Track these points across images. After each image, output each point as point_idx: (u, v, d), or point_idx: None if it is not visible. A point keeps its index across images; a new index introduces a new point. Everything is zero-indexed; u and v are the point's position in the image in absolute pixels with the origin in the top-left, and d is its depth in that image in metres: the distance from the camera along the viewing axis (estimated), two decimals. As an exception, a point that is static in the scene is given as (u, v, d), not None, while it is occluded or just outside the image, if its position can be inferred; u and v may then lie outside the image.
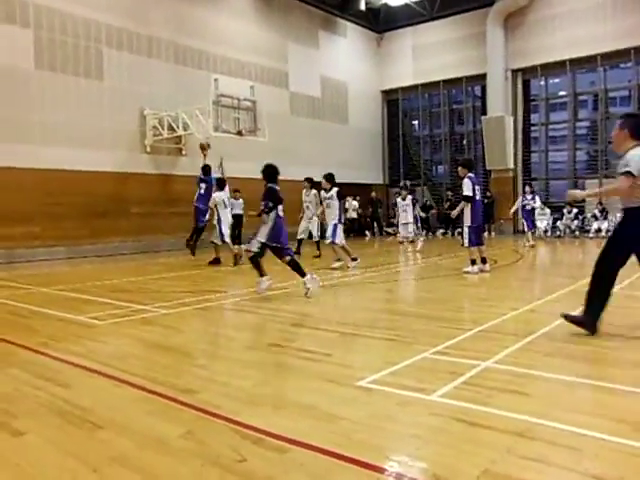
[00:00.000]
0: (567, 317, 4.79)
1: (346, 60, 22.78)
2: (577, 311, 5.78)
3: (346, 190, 22.31)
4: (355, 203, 21.98)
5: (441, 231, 21.88)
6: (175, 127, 15.32)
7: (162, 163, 16.06)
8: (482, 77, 21.50)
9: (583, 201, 18.38)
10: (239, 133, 15.31)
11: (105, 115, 14.69)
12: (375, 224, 22.91)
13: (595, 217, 18.53)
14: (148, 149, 15.61)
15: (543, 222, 19.51)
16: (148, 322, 5.80)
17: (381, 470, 2.38)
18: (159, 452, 2.62)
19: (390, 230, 22.07)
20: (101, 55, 14.61)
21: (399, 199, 15.30)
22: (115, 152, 14.87)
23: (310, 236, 13.19)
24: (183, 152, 16.54)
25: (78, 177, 13.92)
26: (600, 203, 18.73)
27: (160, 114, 15.51)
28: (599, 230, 18.21)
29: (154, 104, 15.62)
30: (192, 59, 16.84)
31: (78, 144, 14.00)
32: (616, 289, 6.71)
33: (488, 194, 22.00)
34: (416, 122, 25.36)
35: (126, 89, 15.13)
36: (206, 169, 12.37)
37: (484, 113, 21.66)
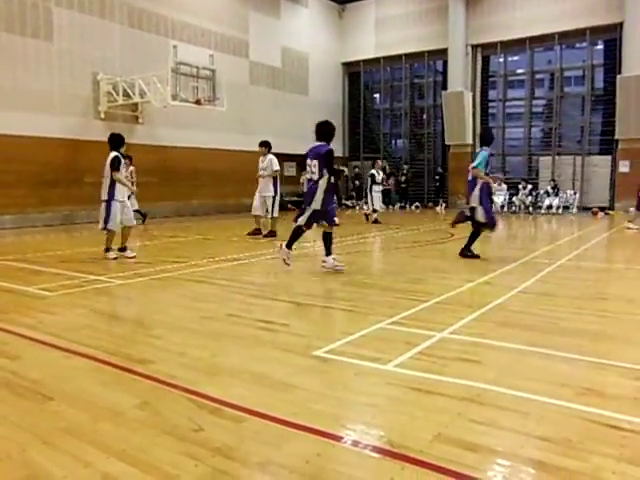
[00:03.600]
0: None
1: (307, 31, 22.39)
2: (529, 282, 5.99)
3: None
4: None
5: (399, 204, 22.11)
6: (131, 94, 14.76)
7: (117, 131, 15.39)
8: (443, 52, 21.51)
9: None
10: (197, 102, 14.96)
11: (55, 78, 13.99)
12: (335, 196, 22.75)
13: (547, 193, 19.08)
14: (102, 115, 15.01)
15: (500, 197, 20.00)
16: (102, 293, 5.67)
17: (336, 438, 2.42)
18: (113, 423, 2.58)
19: (349, 203, 22.12)
20: (50, 14, 13.84)
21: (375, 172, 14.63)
22: (66, 118, 14.24)
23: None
24: (140, 120, 16.00)
25: (25, 143, 13.29)
26: (553, 180, 19.29)
27: (115, 79, 14.91)
28: (550, 207, 18.80)
29: (108, 69, 14.99)
30: (149, 23, 16.18)
31: (25, 108, 13.31)
32: (563, 260, 6.99)
33: (439, 169, 22.31)
34: (377, 95, 25.29)
35: (77, 51, 14.43)
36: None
37: (445, 88, 21.77)
